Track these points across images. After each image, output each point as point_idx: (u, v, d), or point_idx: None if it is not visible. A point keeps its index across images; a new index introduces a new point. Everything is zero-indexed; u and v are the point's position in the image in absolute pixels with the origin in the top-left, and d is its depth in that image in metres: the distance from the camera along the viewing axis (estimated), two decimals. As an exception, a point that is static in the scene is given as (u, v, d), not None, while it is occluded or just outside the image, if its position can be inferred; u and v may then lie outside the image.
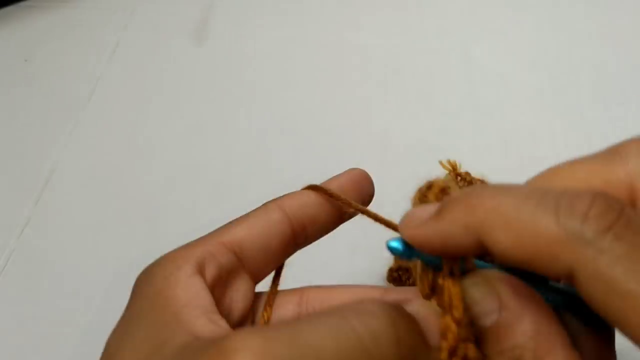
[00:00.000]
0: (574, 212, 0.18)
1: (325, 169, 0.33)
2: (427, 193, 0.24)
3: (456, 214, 0.20)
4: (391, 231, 0.27)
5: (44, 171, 0.58)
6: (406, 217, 0.23)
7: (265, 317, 0.29)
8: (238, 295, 0.29)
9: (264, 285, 0.32)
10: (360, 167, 0.33)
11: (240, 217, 0.31)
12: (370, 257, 0.48)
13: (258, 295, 0.31)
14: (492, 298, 0.21)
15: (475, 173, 0.50)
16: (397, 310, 0.22)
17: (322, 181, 0.31)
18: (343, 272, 0.49)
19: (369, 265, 0.47)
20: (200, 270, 0.27)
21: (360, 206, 0.30)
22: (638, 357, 0.23)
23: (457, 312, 0.20)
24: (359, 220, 0.32)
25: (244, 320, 0.29)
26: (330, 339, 0.20)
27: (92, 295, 0.49)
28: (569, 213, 0.18)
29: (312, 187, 0.31)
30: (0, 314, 0.48)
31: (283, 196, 0.31)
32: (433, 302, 0.23)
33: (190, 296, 0.25)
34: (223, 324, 0.24)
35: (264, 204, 0.31)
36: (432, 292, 0.23)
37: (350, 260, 0.49)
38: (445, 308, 0.21)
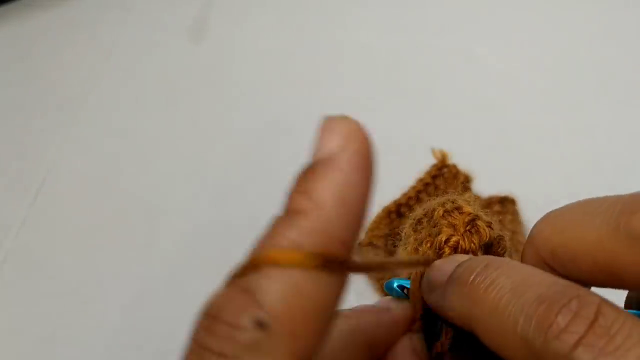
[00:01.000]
0: (541, 327, 0.17)
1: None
2: (418, 227, 0.25)
3: (454, 298, 0.21)
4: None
5: (41, 171, 0.58)
6: (425, 278, 0.23)
7: None
8: None
9: None
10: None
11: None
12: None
13: None
14: None
15: (465, 166, 0.50)
16: None
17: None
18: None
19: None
20: None
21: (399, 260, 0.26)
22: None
23: None
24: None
25: None
26: None
27: (87, 296, 0.49)
28: (537, 328, 0.17)
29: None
30: (-5, 315, 0.48)
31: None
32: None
33: None
34: None
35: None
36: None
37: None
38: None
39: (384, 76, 0.65)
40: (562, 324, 0.17)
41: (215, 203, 0.54)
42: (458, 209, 0.25)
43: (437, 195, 0.29)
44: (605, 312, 0.17)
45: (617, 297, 0.20)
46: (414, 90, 0.63)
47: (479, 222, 0.24)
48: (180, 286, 0.48)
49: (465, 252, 0.24)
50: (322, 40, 0.69)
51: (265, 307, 0.16)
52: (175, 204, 0.55)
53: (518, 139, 0.58)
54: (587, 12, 0.70)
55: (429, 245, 0.25)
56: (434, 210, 0.25)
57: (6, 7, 0.74)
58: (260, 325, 0.15)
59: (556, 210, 0.22)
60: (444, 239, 0.24)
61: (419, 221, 0.26)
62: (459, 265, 0.22)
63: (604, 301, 0.17)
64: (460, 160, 0.57)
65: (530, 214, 0.51)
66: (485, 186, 0.54)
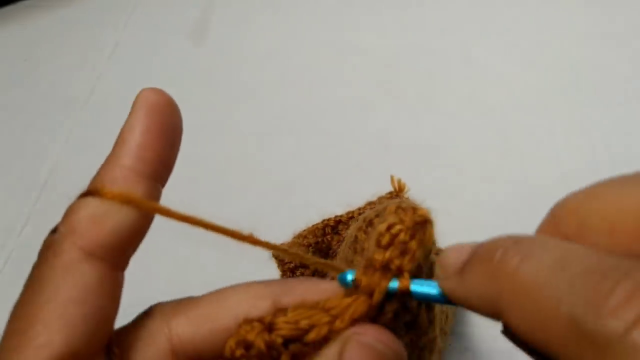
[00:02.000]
0: (593, 304, 0.15)
1: (324, 169, 0.33)
2: (381, 239, 0.22)
3: (476, 279, 0.19)
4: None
5: (44, 171, 0.58)
6: (439, 266, 0.21)
7: None
8: None
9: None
10: (359, 167, 0.29)
11: None
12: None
13: None
14: None
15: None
16: None
17: (323, 181, 0.30)
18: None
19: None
20: None
21: (205, 221, 0.24)
22: None
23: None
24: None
25: None
26: None
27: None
28: (587, 305, 0.15)
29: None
30: (-1, 314, 0.48)
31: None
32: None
33: None
34: None
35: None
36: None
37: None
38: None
39: (384, 77, 0.65)
40: (620, 300, 0.14)
41: (215, 203, 0.54)
42: (414, 209, 0.23)
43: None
44: None
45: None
46: (413, 91, 0.64)
47: (429, 228, 0.22)
48: (180, 286, 0.49)
49: (404, 244, 0.22)
50: (321, 42, 0.69)
51: (64, 220, 0.24)
52: (175, 204, 0.55)
53: (516, 139, 0.58)
54: (585, 13, 0.70)
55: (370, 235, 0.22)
56: (385, 208, 0.23)
57: (9, 8, 0.74)
58: (54, 231, 0.24)
59: (580, 189, 0.19)
60: (384, 228, 0.22)
61: (370, 222, 0.24)
62: (480, 245, 0.19)
63: None
64: (460, 160, 0.57)
65: (531, 214, 0.51)
66: (485, 186, 0.55)
